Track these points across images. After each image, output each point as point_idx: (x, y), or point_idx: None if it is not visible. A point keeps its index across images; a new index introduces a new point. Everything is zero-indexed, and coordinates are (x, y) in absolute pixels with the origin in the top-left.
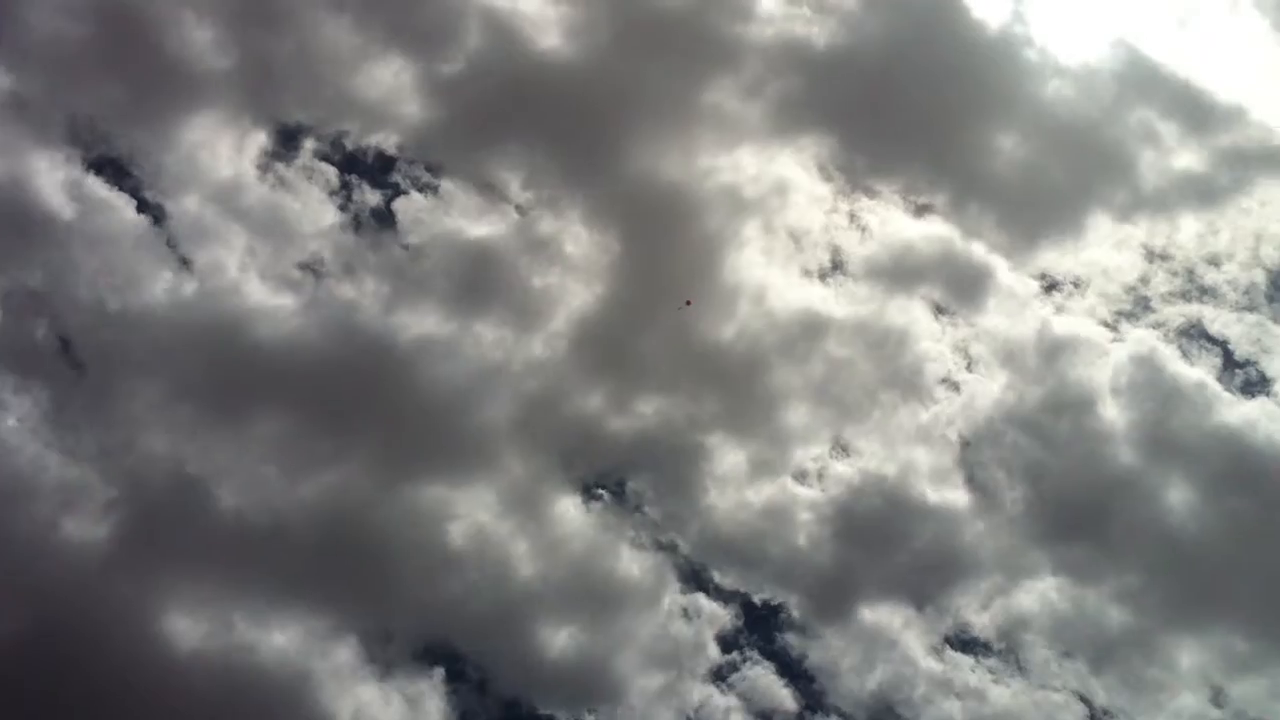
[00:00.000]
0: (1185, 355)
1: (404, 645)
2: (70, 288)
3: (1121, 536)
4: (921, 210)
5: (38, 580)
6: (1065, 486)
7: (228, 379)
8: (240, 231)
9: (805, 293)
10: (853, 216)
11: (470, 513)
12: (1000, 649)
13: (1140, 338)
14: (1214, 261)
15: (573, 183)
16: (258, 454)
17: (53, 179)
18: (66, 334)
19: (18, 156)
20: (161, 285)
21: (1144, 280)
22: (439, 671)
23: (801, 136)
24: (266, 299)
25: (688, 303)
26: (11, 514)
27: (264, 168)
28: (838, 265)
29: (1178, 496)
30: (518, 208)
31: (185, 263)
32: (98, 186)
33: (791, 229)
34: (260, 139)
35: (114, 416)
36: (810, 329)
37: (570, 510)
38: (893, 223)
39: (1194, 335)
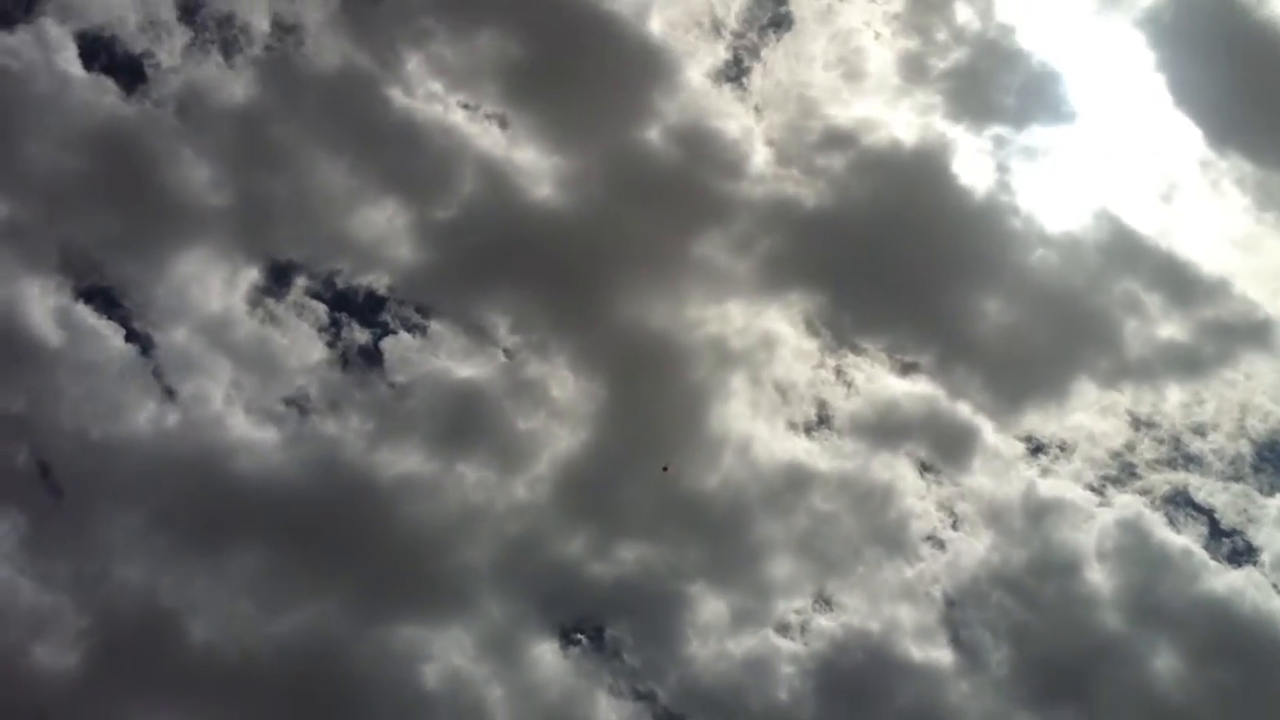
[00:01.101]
0: (1171, 522)
1: None
2: (53, 414)
3: (1107, 701)
4: (907, 369)
5: (5, 706)
6: (1050, 649)
7: (207, 511)
8: (227, 364)
9: (791, 445)
10: (839, 372)
11: (446, 655)
12: None
13: (1126, 503)
14: (1199, 431)
15: (561, 328)
16: (233, 588)
17: (43, 306)
18: (47, 460)
19: (9, 282)
20: (145, 415)
21: (1130, 447)
22: None
23: (789, 292)
24: (250, 432)
25: (665, 468)
26: None
27: (254, 303)
28: (824, 420)
29: (1163, 663)
30: (505, 351)
31: (170, 393)
32: (87, 315)
33: (778, 382)
34: (252, 274)
35: (90, 545)
36: (795, 482)
37: (548, 655)
38: (879, 380)
39: (1180, 503)
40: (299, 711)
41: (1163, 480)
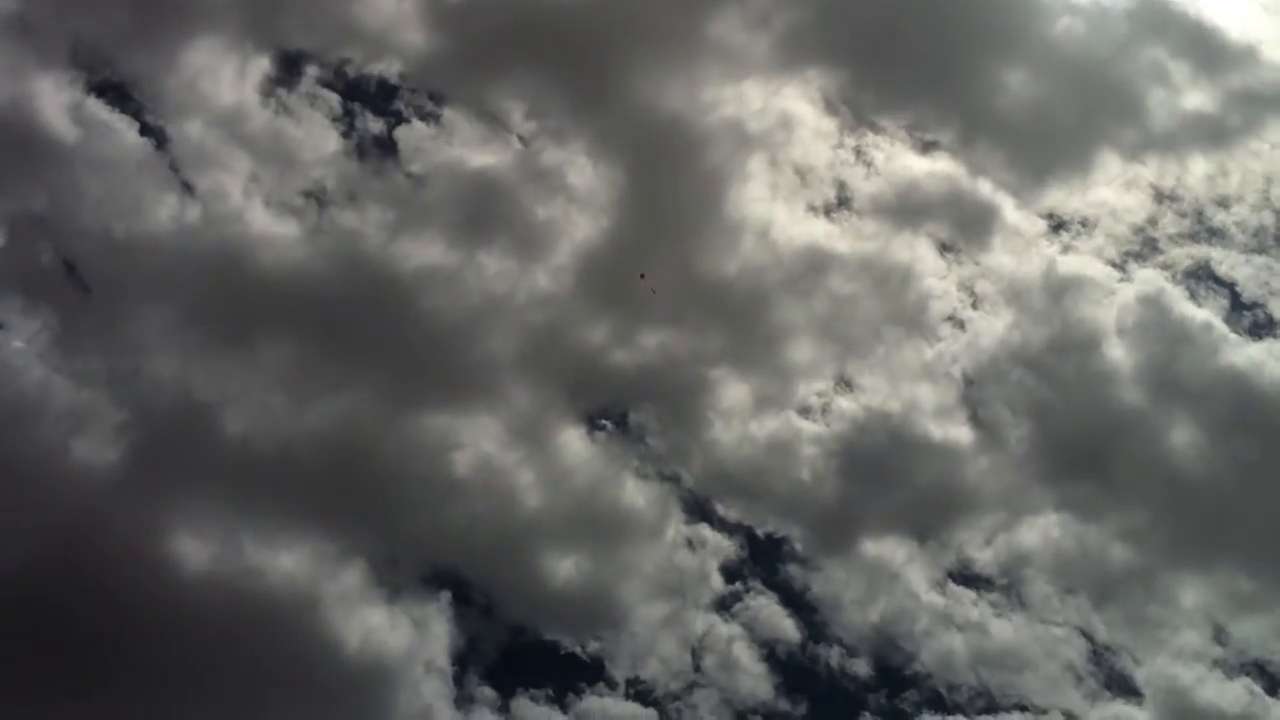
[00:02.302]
0: (1193, 296)
1: (411, 570)
2: (74, 211)
3: (1126, 475)
4: (928, 147)
5: (47, 502)
6: (1069, 425)
7: (233, 305)
8: (243, 157)
9: (810, 228)
10: (859, 152)
11: (475, 442)
12: (1002, 584)
13: (1147, 278)
14: (1223, 203)
15: (577, 114)
16: (264, 380)
17: (55, 102)
18: (71, 258)
19: (20, 79)
20: (165, 210)
21: (1152, 221)
22: (445, 596)
23: (808, 70)
24: (270, 225)
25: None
26: (20, 436)
27: (267, 94)
28: (843, 201)
29: (1182, 436)
30: (521, 138)
31: (188, 188)
32: (100, 110)
33: (797, 164)
34: (263, 65)
35: (121, 341)
36: (815, 265)
37: (574, 441)
38: (899, 159)
39: (1202, 276)
40: (334, 500)
41: (1184, 254)
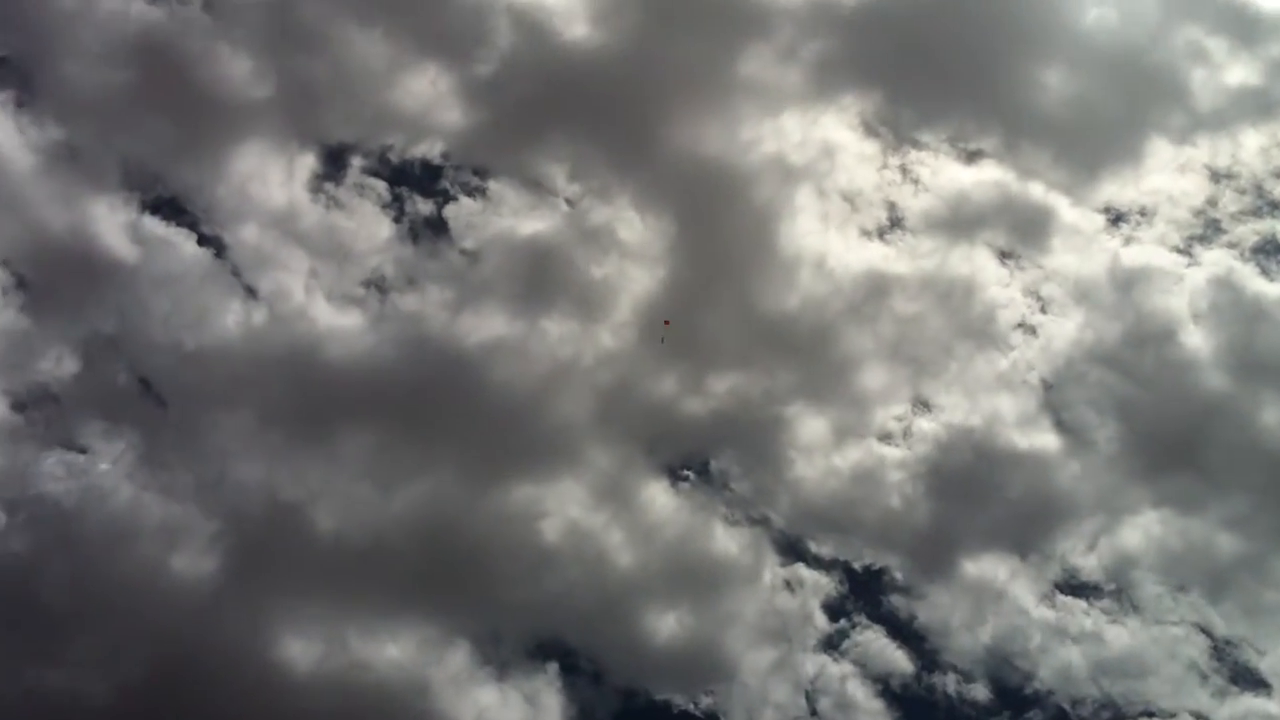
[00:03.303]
0: (1263, 272)
1: (515, 645)
2: (144, 329)
3: (1221, 462)
4: (973, 156)
5: (153, 619)
6: (1156, 418)
7: (308, 402)
8: (301, 255)
9: (866, 253)
10: (904, 170)
11: (561, 509)
12: (1111, 589)
13: (1215, 259)
14: None
15: (619, 169)
16: (347, 473)
17: (113, 223)
18: (146, 375)
19: (76, 206)
20: (232, 316)
21: (1211, 201)
22: (553, 667)
23: (843, 96)
24: (335, 319)
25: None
26: (119, 556)
27: (315, 189)
28: (895, 222)
29: (1273, 415)
30: (568, 200)
31: (251, 291)
32: (157, 226)
33: (844, 191)
34: (309, 161)
35: (203, 451)
36: (876, 289)
37: (659, 496)
38: (945, 172)
39: (1270, 251)
40: (430, 583)
41: (1249, 230)
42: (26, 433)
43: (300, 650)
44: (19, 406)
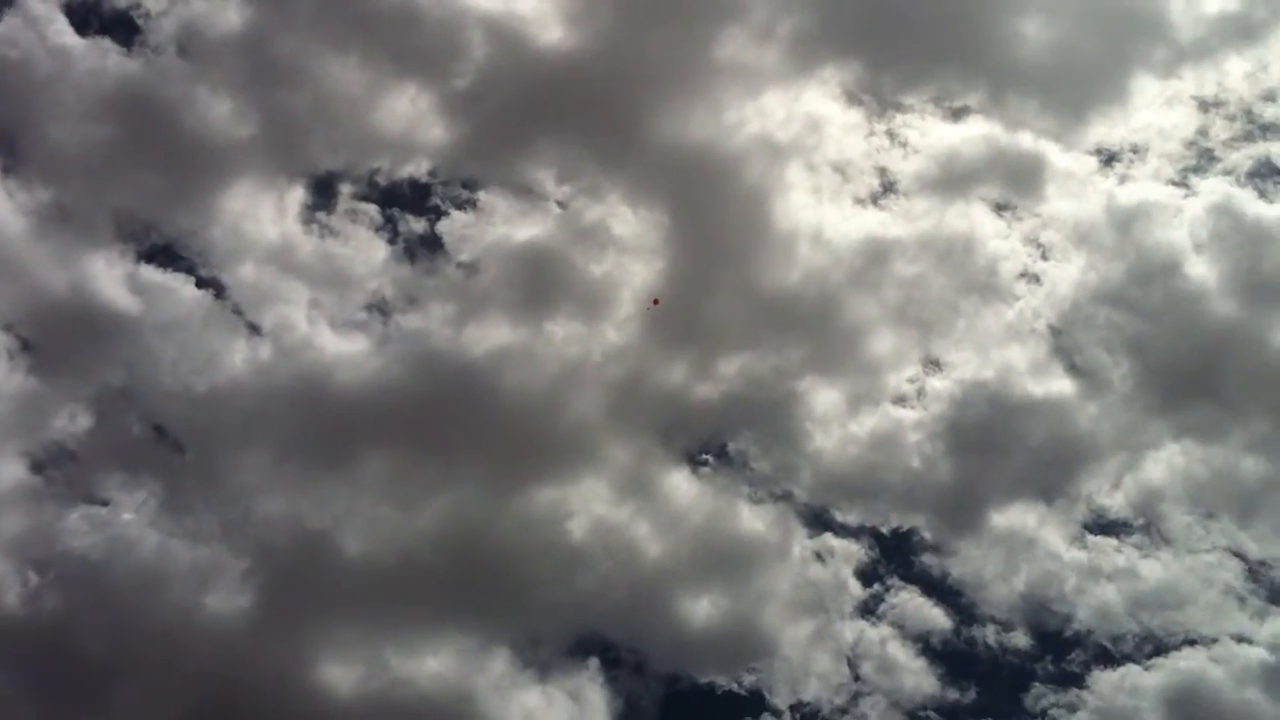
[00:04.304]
0: (1261, 195)
1: (554, 645)
2: (152, 377)
3: (1237, 388)
4: (959, 113)
5: (192, 659)
6: (1169, 352)
7: (323, 430)
8: (300, 287)
9: (862, 221)
10: (891, 135)
11: (585, 507)
12: (1140, 525)
13: (1211, 188)
14: (1269, 97)
15: (606, 166)
16: (370, 495)
17: (111, 277)
18: (160, 422)
19: (72, 263)
20: (238, 355)
21: (1202, 131)
22: (594, 662)
23: (822, 69)
24: (340, 346)
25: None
26: (152, 604)
27: (308, 220)
28: (888, 187)
29: None
30: (558, 203)
31: (254, 328)
32: (154, 274)
33: (833, 162)
34: (298, 193)
35: (225, 491)
36: (875, 255)
37: (681, 483)
38: (933, 132)
39: (1265, 174)
40: (463, 595)
41: (1243, 156)
42: (48, 492)
43: (341, 674)
44: (37, 467)
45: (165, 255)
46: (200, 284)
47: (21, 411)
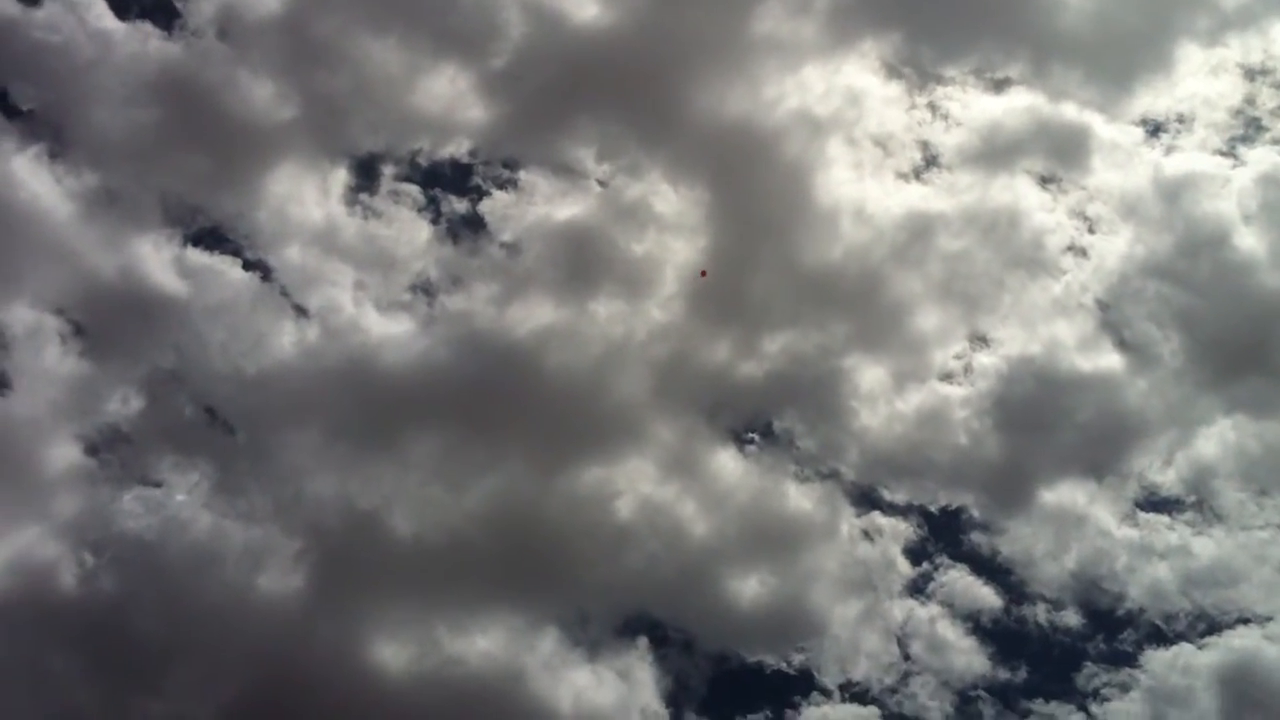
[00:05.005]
0: None
1: (603, 624)
2: (202, 359)
3: None
4: (1001, 85)
5: (247, 639)
6: (1219, 325)
7: (371, 411)
8: (345, 269)
9: (904, 195)
10: (933, 108)
11: (632, 486)
12: (1192, 501)
13: (1259, 157)
14: None
15: (646, 144)
16: (419, 475)
17: (159, 260)
18: (211, 404)
19: (120, 248)
20: (286, 337)
21: (1249, 100)
22: (643, 641)
23: (861, 42)
24: (386, 327)
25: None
26: (206, 584)
27: (351, 201)
28: (930, 161)
29: None
30: (599, 181)
31: (301, 310)
32: (201, 257)
33: (874, 136)
34: (341, 175)
35: (276, 472)
36: (919, 230)
37: (727, 462)
38: (975, 104)
39: None
40: (512, 574)
41: None
42: (102, 475)
43: (393, 653)
44: (92, 450)
45: (212, 238)
46: (247, 266)
47: (75, 395)
